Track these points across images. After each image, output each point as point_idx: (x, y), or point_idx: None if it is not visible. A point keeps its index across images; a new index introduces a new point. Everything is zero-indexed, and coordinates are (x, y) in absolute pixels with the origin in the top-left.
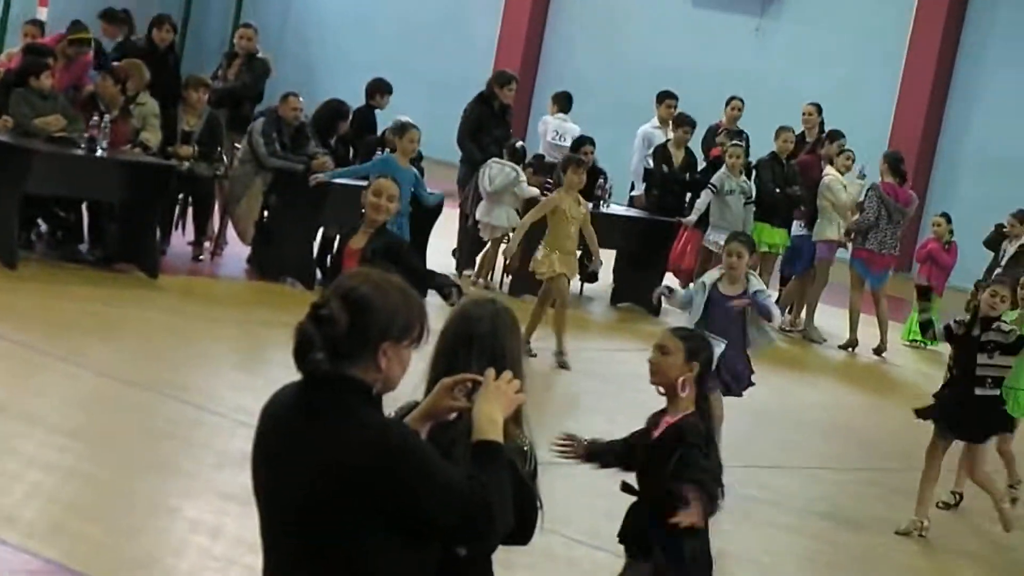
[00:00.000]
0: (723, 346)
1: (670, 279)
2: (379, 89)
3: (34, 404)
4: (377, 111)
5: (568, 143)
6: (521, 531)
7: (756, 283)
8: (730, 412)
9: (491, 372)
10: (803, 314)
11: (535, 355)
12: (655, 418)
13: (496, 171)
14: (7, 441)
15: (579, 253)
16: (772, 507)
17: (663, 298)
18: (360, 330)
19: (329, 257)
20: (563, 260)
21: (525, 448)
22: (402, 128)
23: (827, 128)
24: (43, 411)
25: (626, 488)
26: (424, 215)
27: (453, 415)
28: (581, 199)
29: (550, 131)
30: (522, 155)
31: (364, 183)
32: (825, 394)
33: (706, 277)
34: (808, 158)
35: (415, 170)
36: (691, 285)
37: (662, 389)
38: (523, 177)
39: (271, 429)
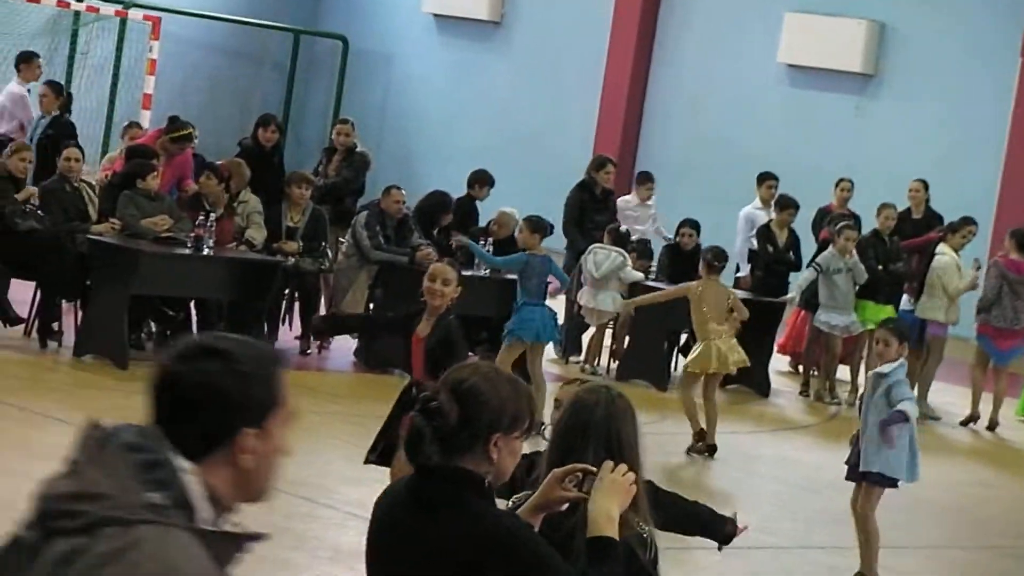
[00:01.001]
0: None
1: (781, 361)
2: (479, 180)
3: None
4: (478, 202)
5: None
6: None
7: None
8: (849, 491)
9: (608, 464)
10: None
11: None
12: None
13: (602, 257)
14: None
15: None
16: None
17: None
18: (470, 422)
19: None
20: (719, 349)
21: (645, 535)
22: (536, 224)
23: (932, 202)
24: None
25: None
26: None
27: (565, 506)
28: (731, 291)
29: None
30: (626, 239)
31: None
32: (938, 471)
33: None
34: (921, 241)
35: (548, 259)
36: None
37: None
38: (629, 262)
39: (384, 523)
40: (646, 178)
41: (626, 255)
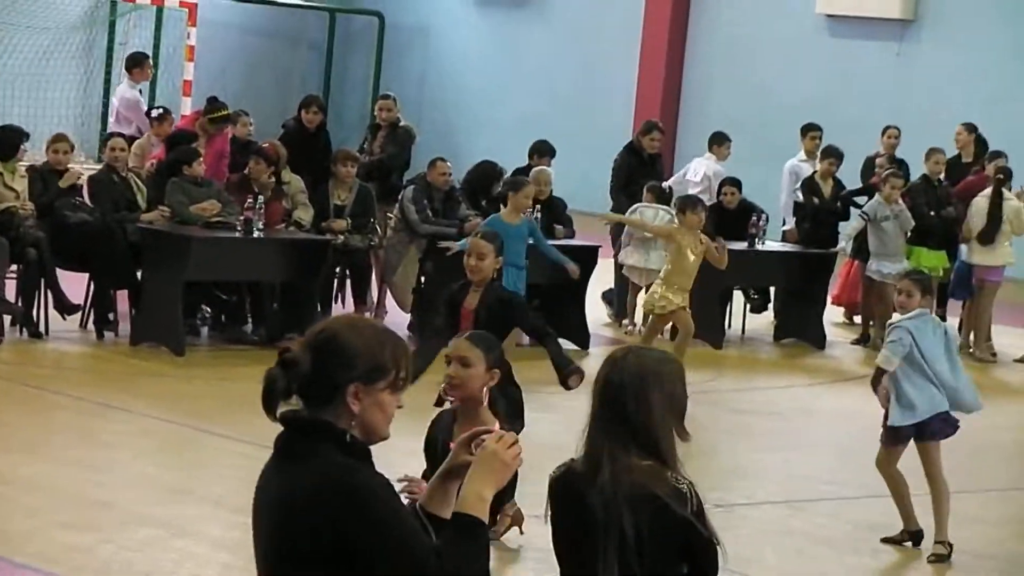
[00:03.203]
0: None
1: (836, 312)
2: (539, 151)
3: (215, 486)
4: None
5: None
6: (700, 569)
7: None
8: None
9: (495, 435)
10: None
11: None
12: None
13: (651, 215)
14: (194, 524)
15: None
16: (960, 531)
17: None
18: (322, 371)
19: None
20: (677, 295)
21: (684, 490)
22: (516, 184)
23: (982, 144)
24: (224, 493)
25: None
26: (579, 266)
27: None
28: (703, 237)
29: (691, 171)
30: (669, 197)
31: None
32: (999, 412)
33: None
34: (973, 180)
35: (530, 223)
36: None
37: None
38: (676, 220)
39: (257, 484)
40: (724, 138)
41: (673, 213)
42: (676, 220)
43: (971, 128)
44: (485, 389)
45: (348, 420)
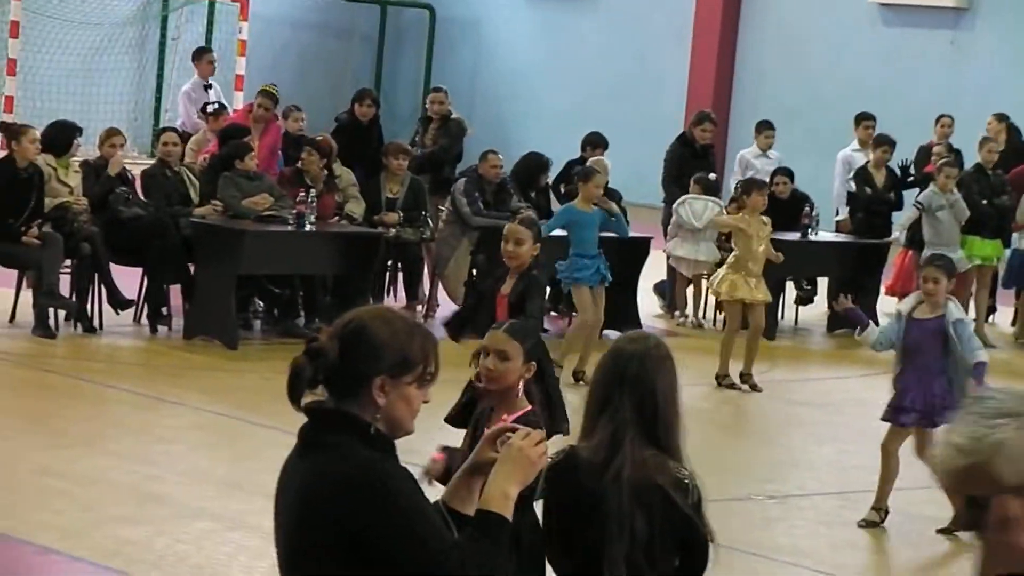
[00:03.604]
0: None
1: (890, 303)
2: (592, 142)
3: (268, 479)
4: None
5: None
6: (690, 565)
7: (956, 311)
8: None
9: (521, 431)
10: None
11: (742, 387)
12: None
13: (700, 207)
14: (247, 518)
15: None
16: None
17: (858, 337)
18: (349, 362)
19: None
20: (749, 283)
21: (686, 481)
22: (587, 173)
23: (1016, 132)
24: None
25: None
26: (631, 258)
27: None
28: (766, 219)
29: (746, 163)
30: (716, 188)
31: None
32: None
33: (902, 305)
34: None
35: (601, 212)
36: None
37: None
38: (724, 211)
39: (282, 470)
40: (765, 126)
41: (721, 204)
42: (723, 210)
43: (1001, 117)
44: (522, 381)
45: (373, 412)
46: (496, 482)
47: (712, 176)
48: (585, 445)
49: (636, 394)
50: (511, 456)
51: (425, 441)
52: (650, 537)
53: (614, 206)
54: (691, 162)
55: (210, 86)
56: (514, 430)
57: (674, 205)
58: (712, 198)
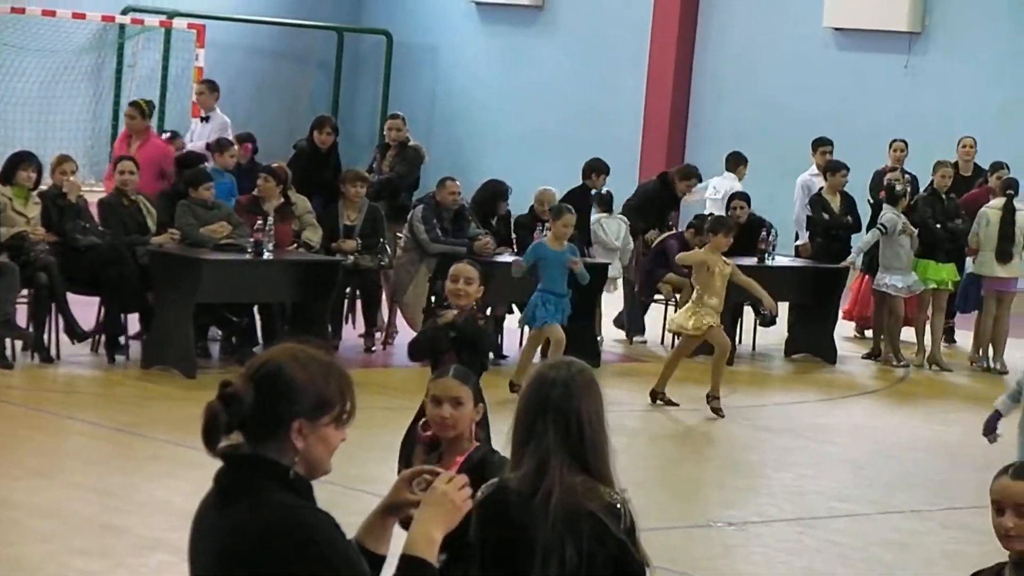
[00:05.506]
0: None
1: (847, 327)
2: (594, 168)
3: None
4: (593, 191)
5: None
6: None
7: None
8: (925, 454)
9: (444, 475)
10: (982, 349)
11: (676, 404)
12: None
13: (615, 226)
14: None
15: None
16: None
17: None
18: (266, 406)
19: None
20: (709, 314)
21: (618, 506)
22: (558, 212)
23: (979, 158)
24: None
25: None
26: (589, 286)
27: (413, 510)
28: (724, 259)
29: (710, 189)
30: (609, 203)
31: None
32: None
33: None
34: (977, 192)
35: (571, 249)
36: None
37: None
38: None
39: (196, 517)
40: (742, 159)
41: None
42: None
43: (975, 141)
44: (472, 424)
45: (291, 455)
46: (420, 526)
47: (606, 191)
48: (513, 476)
49: (561, 420)
50: (435, 500)
51: (351, 498)
52: (580, 565)
53: (584, 273)
54: (666, 205)
55: (206, 118)
56: (433, 472)
57: (591, 223)
58: (623, 216)
